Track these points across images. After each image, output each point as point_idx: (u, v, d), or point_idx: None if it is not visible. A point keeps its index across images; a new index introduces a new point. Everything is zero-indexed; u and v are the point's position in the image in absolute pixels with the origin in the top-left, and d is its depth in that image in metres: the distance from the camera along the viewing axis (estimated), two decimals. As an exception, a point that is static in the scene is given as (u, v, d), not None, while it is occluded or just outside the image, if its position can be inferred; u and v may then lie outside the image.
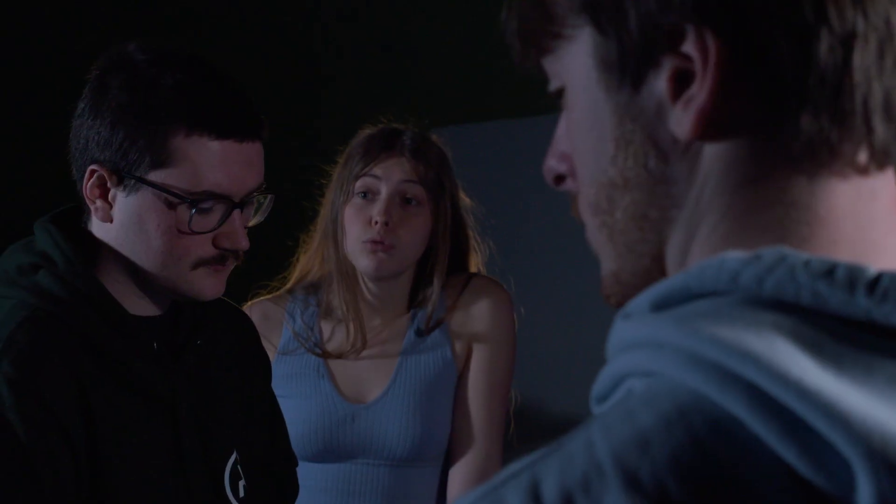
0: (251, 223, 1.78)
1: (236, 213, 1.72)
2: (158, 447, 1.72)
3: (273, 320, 2.46)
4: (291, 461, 2.03)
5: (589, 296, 4.17)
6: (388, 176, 2.38)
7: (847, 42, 0.67)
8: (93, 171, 1.69)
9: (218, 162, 1.68)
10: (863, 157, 0.69)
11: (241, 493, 1.81)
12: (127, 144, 1.66)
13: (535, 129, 4.42)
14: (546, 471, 0.64)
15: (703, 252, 0.71)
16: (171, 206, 1.67)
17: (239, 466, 1.82)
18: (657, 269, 0.75)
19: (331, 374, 2.43)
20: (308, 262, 2.49)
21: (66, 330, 1.67)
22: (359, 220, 2.37)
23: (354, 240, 2.38)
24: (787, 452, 0.61)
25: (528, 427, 3.45)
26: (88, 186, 1.69)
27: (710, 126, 0.69)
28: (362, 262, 2.38)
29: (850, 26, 0.67)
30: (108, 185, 1.69)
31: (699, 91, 0.69)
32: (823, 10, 0.67)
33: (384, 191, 2.38)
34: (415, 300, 2.46)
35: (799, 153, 0.69)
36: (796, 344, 0.63)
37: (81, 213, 1.76)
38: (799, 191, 0.69)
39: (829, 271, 0.65)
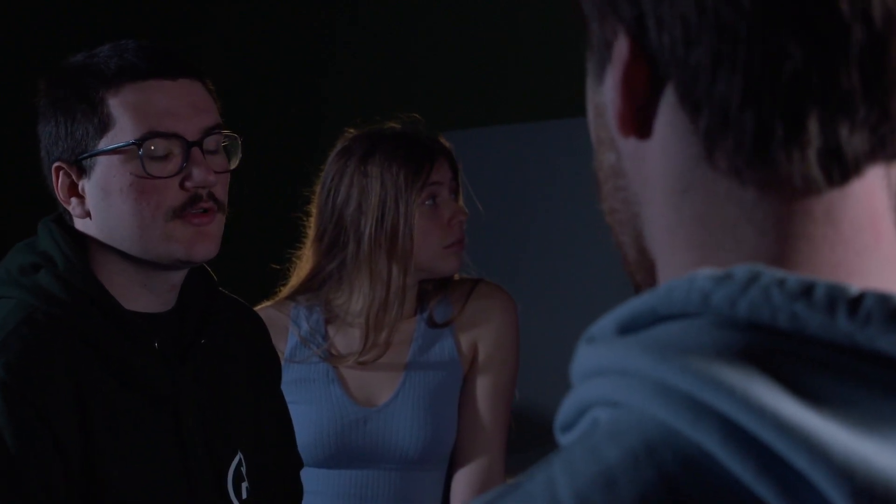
0: (231, 167, 1.77)
1: (195, 151, 1.70)
2: (161, 447, 1.71)
3: (278, 326, 2.45)
4: (297, 464, 2.03)
5: (593, 298, 4.18)
6: (444, 178, 2.41)
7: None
8: (57, 170, 1.71)
9: (152, 101, 1.69)
10: (797, 173, 0.63)
11: (244, 496, 1.80)
12: (71, 128, 1.69)
13: (538, 134, 4.43)
14: None
15: (666, 258, 0.68)
16: (126, 163, 1.69)
17: (243, 469, 1.81)
18: (646, 261, 0.70)
19: (341, 379, 2.43)
20: (315, 267, 2.47)
21: (64, 330, 1.66)
22: (436, 225, 2.40)
23: (436, 246, 2.40)
24: (765, 491, 0.57)
25: (530, 430, 3.46)
26: (59, 189, 1.72)
27: (638, 128, 0.66)
28: (448, 264, 2.42)
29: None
30: (73, 178, 1.71)
31: (612, 91, 0.66)
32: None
33: (445, 193, 2.41)
34: (421, 303, 2.47)
35: (724, 165, 0.64)
36: (773, 372, 0.59)
37: (64, 216, 1.76)
38: (728, 202, 0.65)
39: (807, 291, 0.60)
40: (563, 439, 0.66)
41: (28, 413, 1.60)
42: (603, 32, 0.67)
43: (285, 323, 2.47)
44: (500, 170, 4.39)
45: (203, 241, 1.71)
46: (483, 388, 2.44)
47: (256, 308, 2.48)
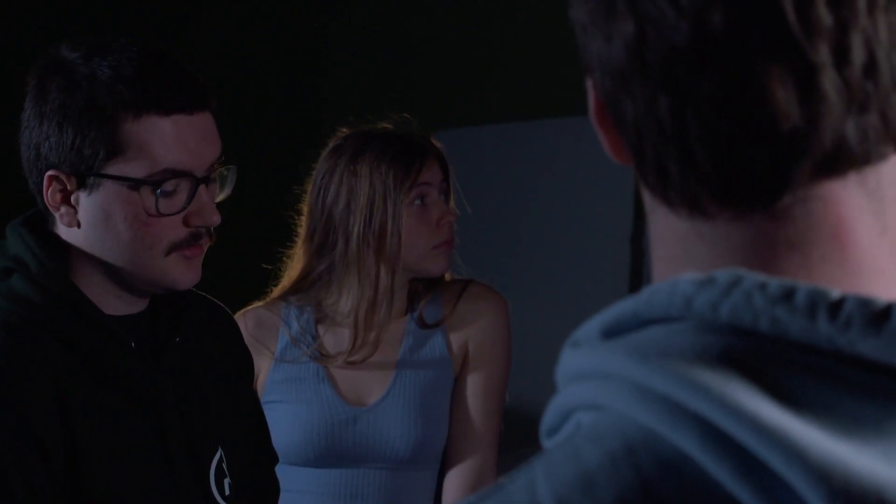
0: (219, 198, 1.76)
1: (202, 188, 1.69)
2: (144, 446, 1.71)
3: (269, 326, 2.45)
4: (273, 459, 2.02)
5: (584, 298, 4.18)
6: (434, 179, 2.41)
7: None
8: (51, 178, 1.67)
9: (172, 138, 1.66)
10: (703, 204, 0.65)
11: (227, 492, 1.80)
12: (79, 142, 1.64)
13: (531, 132, 4.43)
14: None
15: (654, 263, 0.69)
16: (135, 194, 1.66)
17: (224, 465, 1.80)
18: None
19: (331, 378, 2.44)
20: (305, 267, 2.48)
21: (42, 334, 1.65)
22: (424, 225, 2.40)
23: (424, 246, 2.40)
24: (742, 492, 0.57)
25: (521, 430, 3.46)
26: (49, 194, 1.67)
27: (621, 155, 0.69)
28: (436, 265, 2.42)
29: None
30: (69, 188, 1.67)
31: (595, 126, 0.69)
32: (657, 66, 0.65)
33: (435, 193, 2.41)
34: (412, 303, 2.48)
35: (656, 195, 0.67)
36: (753, 375, 0.59)
37: (47, 217, 1.73)
38: (679, 221, 0.67)
39: (788, 295, 0.60)
40: (549, 443, 0.67)
41: (9, 416, 1.60)
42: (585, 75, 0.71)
43: (276, 323, 2.47)
44: (492, 169, 4.39)
45: (192, 271, 1.72)
46: (474, 387, 2.44)
47: (247, 308, 2.49)
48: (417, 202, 2.40)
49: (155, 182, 1.65)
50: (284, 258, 2.51)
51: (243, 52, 4.82)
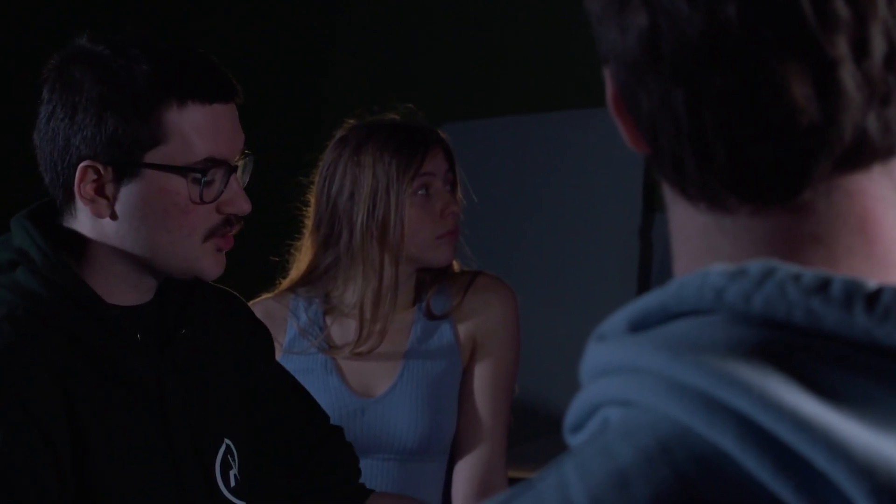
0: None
1: (234, 176, 1.72)
2: (148, 440, 1.70)
3: (277, 318, 2.45)
4: (329, 430, 2.02)
5: (592, 290, 4.18)
6: (438, 169, 2.41)
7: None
8: (85, 169, 1.66)
9: (211, 127, 1.68)
10: (720, 196, 0.65)
11: (233, 483, 1.80)
12: (120, 133, 1.64)
13: (539, 125, 4.42)
14: None
15: (676, 257, 0.69)
16: (177, 183, 1.67)
17: (230, 456, 1.80)
18: None
19: (339, 370, 2.44)
20: (313, 259, 2.48)
21: (47, 327, 1.65)
22: (428, 216, 2.40)
23: (428, 236, 2.40)
24: (783, 490, 0.56)
25: (530, 422, 3.46)
26: (83, 185, 1.67)
27: (640, 143, 0.68)
28: (440, 255, 2.41)
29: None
30: (104, 179, 1.67)
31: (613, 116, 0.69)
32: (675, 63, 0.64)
33: (439, 183, 2.41)
34: (420, 294, 2.47)
35: (675, 188, 0.66)
36: (790, 369, 0.58)
37: (56, 210, 1.73)
38: (698, 213, 0.66)
39: (823, 286, 0.59)
40: (573, 440, 0.65)
41: (16, 410, 1.59)
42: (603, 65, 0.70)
43: (284, 314, 2.47)
44: (500, 161, 4.38)
45: (220, 263, 1.74)
46: (483, 379, 2.44)
47: (256, 300, 2.49)
48: (421, 192, 2.40)
49: (200, 170, 1.67)
50: (292, 250, 2.52)
51: (249, 45, 4.82)
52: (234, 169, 1.71)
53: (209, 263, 1.72)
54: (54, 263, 1.67)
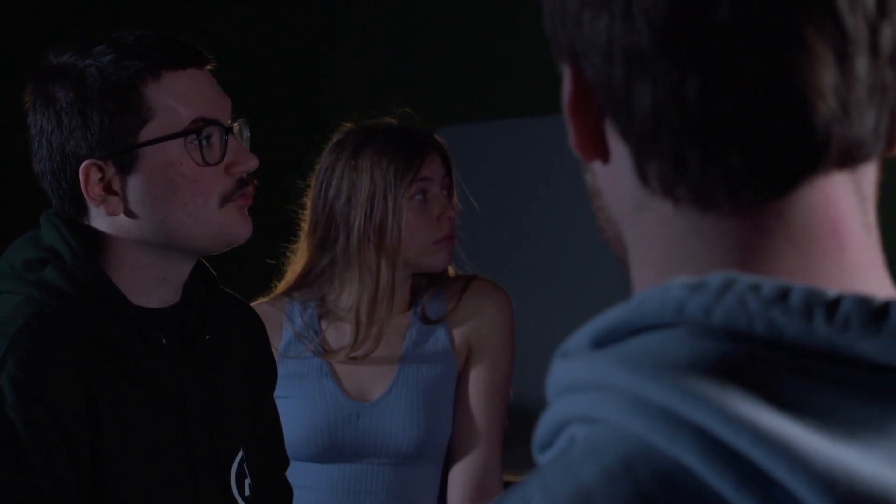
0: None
1: (231, 135, 1.72)
2: (167, 444, 1.71)
3: (272, 322, 2.45)
4: (285, 464, 2.03)
5: (588, 294, 4.18)
6: (435, 174, 2.41)
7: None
8: (87, 169, 1.66)
9: (192, 90, 1.69)
10: (721, 192, 0.64)
11: (247, 492, 1.80)
12: (107, 122, 1.65)
13: (535, 129, 4.42)
14: None
15: (635, 274, 0.68)
16: (178, 152, 1.68)
17: (245, 465, 1.81)
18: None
19: (334, 374, 2.44)
20: (309, 261, 2.48)
21: (73, 327, 1.65)
22: (425, 221, 2.40)
23: (424, 241, 2.40)
24: None
25: (525, 426, 3.45)
26: (89, 187, 1.67)
27: (597, 152, 0.67)
28: (437, 260, 2.42)
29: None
30: (107, 175, 1.67)
31: (567, 118, 0.68)
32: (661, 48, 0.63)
33: (436, 188, 2.41)
34: (415, 298, 2.48)
35: (657, 186, 0.65)
36: (751, 381, 0.57)
37: (81, 213, 1.73)
38: (674, 218, 0.65)
39: (783, 296, 0.59)
40: (542, 458, 0.65)
41: (39, 408, 1.60)
42: (558, 61, 0.69)
43: (279, 318, 2.47)
44: (496, 165, 4.39)
45: (246, 223, 1.74)
46: (478, 383, 2.44)
47: (252, 304, 2.48)
48: (418, 197, 2.40)
49: (193, 131, 1.68)
50: (288, 253, 2.51)
51: (247, 47, 4.82)
52: (229, 129, 1.72)
53: (236, 226, 1.72)
54: (84, 262, 1.67)
